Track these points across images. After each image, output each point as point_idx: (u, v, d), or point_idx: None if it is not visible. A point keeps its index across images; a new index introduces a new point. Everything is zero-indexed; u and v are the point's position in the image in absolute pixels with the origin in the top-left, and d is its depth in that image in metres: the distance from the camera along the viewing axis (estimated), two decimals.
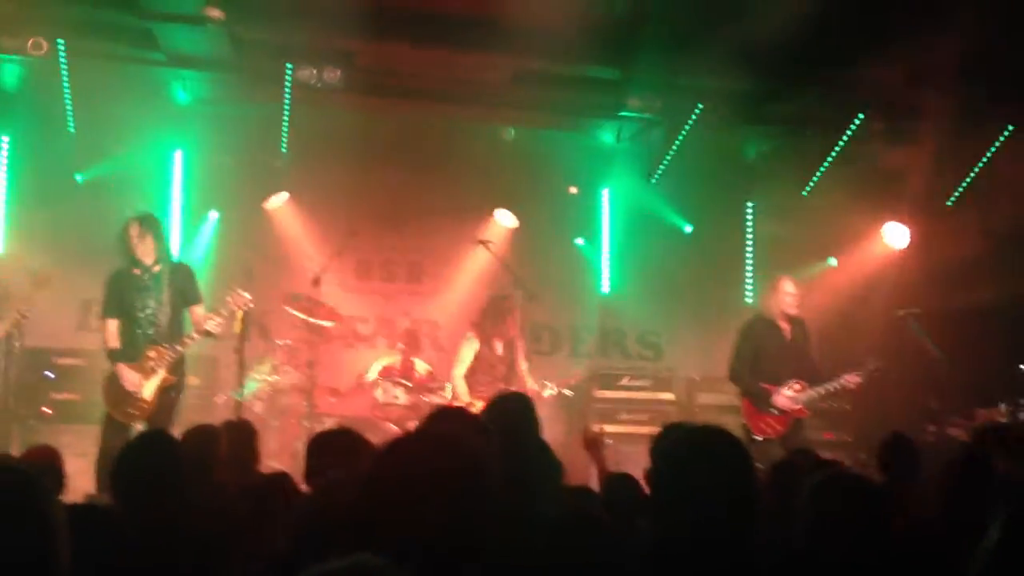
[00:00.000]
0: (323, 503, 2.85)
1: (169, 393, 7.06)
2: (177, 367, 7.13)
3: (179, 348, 7.06)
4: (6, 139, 9.76)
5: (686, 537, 2.31)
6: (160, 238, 7.25)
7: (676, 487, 2.38)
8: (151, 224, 7.23)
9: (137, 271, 7.11)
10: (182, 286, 7.22)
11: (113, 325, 7.10)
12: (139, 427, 6.79)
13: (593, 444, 5.49)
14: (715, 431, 2.54)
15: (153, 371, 6.99)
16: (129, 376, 6.94)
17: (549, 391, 8.45)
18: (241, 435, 5.14)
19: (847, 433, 9.33)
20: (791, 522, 2.97)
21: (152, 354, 7.01)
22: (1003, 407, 8.34)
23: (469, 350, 8.59)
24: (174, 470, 3.68)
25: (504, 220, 10.73)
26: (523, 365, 8.61)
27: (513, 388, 8.03)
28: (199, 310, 7.22)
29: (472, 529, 2.15)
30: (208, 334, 7.15)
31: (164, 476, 3.61)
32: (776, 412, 7.69)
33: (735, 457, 2.40)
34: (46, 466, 4.30)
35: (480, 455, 2.25)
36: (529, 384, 8.41)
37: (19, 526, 1.70)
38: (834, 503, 2.85)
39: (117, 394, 6.98)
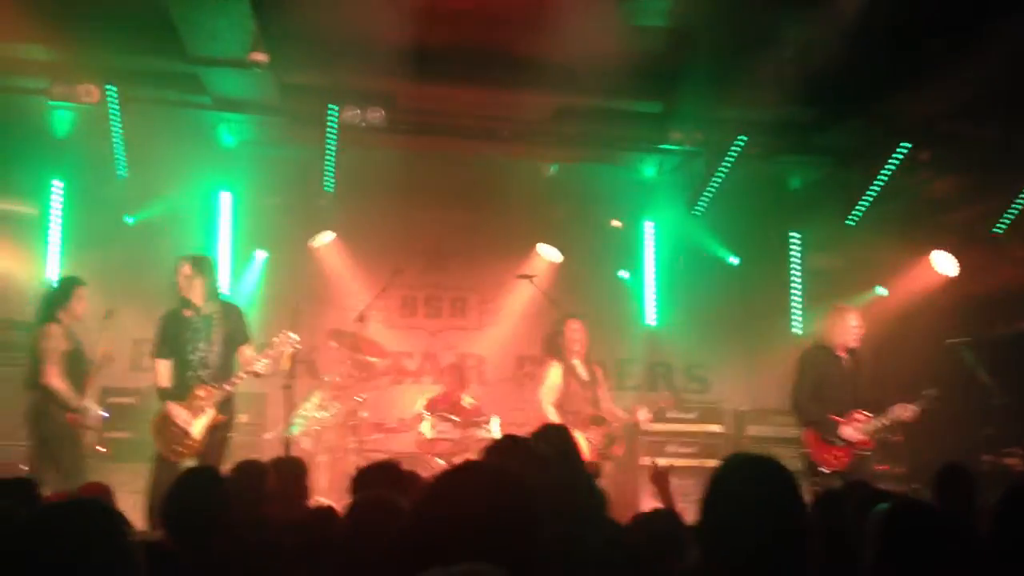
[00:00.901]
0: (359, 529, 2.87)
1: (218, 431, 7.14)
2: (226, 406, 7.21)
3: (228, 387, 7.14)
4: (59, 184, 9.98)
5: (732, 566, 2.29)
6: (211, 279, 7.37)
7: (724, 514, 2.36)
8: (202, 265, 7.35)
9: (188, 312, 7.21)
10: (232, 327, 7.31)
11: (164, 366, 7.20)
12: (189, 464, 6.87)
13: (660, 479, 5.45)
14: (766, 461, 2.52)
15: (202, 410, 7.07)
16: (180, 414, 7.03)
17: (644, 414, 8.15)
18: (290, 471, 5.18)
19: (901, 464, 9.18)
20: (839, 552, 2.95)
21: (201, 393, 7.09)
22: None
23: (555, 375, 8.18)
24: (221, 505, 3.72)
25: (547, 254, 10.77)
26: (605, 390, 8.32)
27: (600, 414, 7.99)
28: (247, 350, 7.30)
29: (521, 564, 2.15)
30: (256, 374, 7.22)
31: (212, 511, 3.65)
32: (841, 443, 7.53)
33: (785, 486, 2.38)
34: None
35: (530, 489, 2.25)
36: (618, 410, 8.17)
37: (107, 557, 1.74)
38: (906, 532, 2.81)
39: (167, 433, 7.06)
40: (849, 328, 7.73)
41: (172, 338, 7.18)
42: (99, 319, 7.80)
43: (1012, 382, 8.01)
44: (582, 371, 8.22)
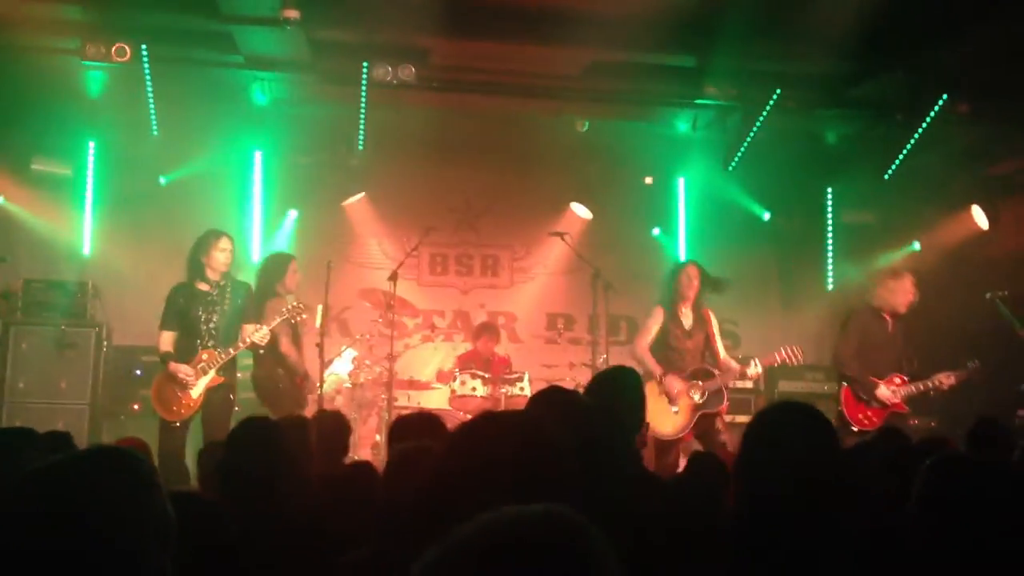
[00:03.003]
0: (399, 480, 2.88)
1: (219, 392, 7.24)
2: (227, 369, 7.33)
3: (231, 351, 7.26)
4: (92, 144, 10.05)
5: (767, 511, 2.29)
6: (233, 253, 7.50)
7: (760, 456, 2.36)
8: (229, 240, 7.47)
9: (204, 286, 7.34)
10: (243, 304, 7.46)
11: (168, 337, 7.30)
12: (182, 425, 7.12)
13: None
14: (804, 407, 2.53)
15: (204, 372, 7.17)
16: (181, 369, 7.14)
17: (754, 369, 7.76)
18: (331, 426, 5.22)
19: (933, 419, 9.13)
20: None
21: (205, 356, 7.21)
22: None
23: (654, 322, 7.84)
24: (279, 459, 3.72)
25: (580, 212, 10.73)
26: (721, 351, 7.90)
27: (707, 365, 7.72)
28: (250, 327, 7.40)
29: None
30: (256, 345, 7.36)
31: (269, 465, 3.65)
32: (877, 404, 7.60)
33: (822, 432, 2.38)
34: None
35: (558, 440, 2.24)
36: (731, 362, 7.81)
37: (126, 504, 1.75)
38: (953, 484, 2.81)
39: (167, 394, 7.18)
40: (905, 293, 7.76)
41: (183, 310, 7.29)
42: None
43: None
44: (688, 318, 7.82)
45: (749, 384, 10.02)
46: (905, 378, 7.64)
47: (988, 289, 8.27)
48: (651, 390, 7.70)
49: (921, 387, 7.65)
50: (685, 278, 7.78)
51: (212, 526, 2.83)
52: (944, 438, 5.23)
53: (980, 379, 7.64)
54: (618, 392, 3.95)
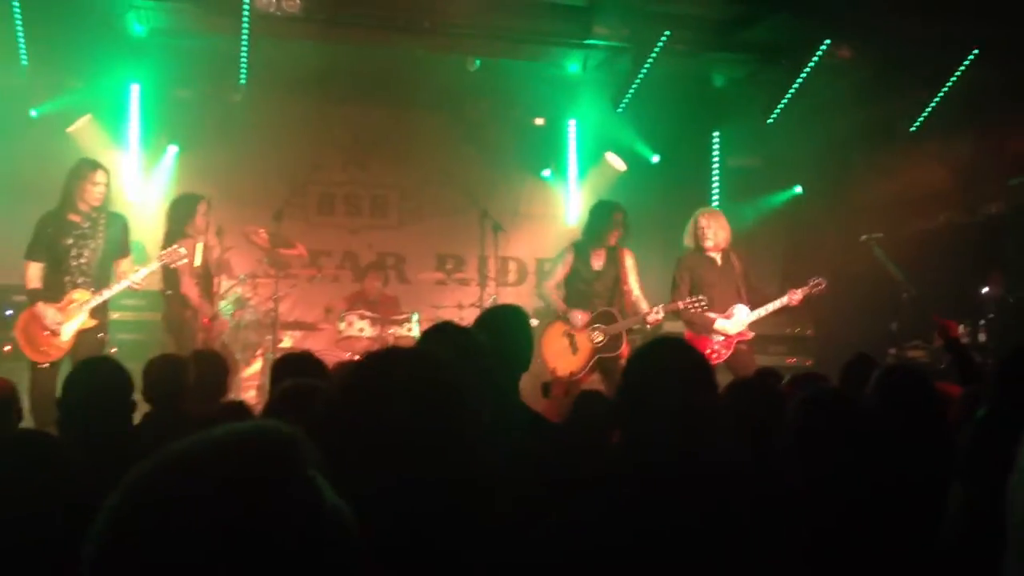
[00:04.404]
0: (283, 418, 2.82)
1: (90, 334, 6.95)
2: (99, 311, 7.02)
3: (104, 292, 6.96)
4: None
5: (648, 440, 2.31)
6: (109, 187, 7.16)
7: (638, 390, 2.38)
8: (105, 173, 7.13)
9: (76, 217, 6.97)
10: (118, 237, 7.15)
11: (36, 268, 6.92)
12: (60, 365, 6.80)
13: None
14: (677, 341, 2.56)
15: (74, 314, 6.90)
16: (48, 314, 6.80)
17: (655, 316, 7.64)
18: (210, 366, 5.09)
19: (808, 357, 9.42)
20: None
21: (76, 296, 6.91)
22: (962, 328, 8.46)
23: (560, 262, 7.88)
24: (121, 395, 3.65)
25: (469, 152, 10.66)
26: (635, 288, 7.83)
27: (615, 309, 7.69)
28: (125, 263, 7.16)
29: (448, 451, 2.13)
30: (133, 287, 7.08)
31: (111, 401, 3.57)
32: (719, 337, 7.74)
33: (695, 363, 2.41)
34: (3, 399, 4.22)
35: (458, 375, 2.22)
36: (642, 306, 7.74)
37: None
38: (821, 418, 2.92)
39: (34, 335, 6.84)
40: (697, 229, 7.84)
41: (51, 241, 6.92)
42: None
43: (921, 278, 8.22)
44: (600, 259, 7.79)
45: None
46: (746, 308, 7.77)
47: (865, 232, 8.53)
48: (554, 331, 7.76)
49: (773, 307, 7.80)
50: (613, 223, 7.76)
51: (56, 460, 2.75)
52: (816, 374, 5.39)
53: (820, 292, 7.81)
54: (504, 330, 3.90)
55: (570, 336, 7.65)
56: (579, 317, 7.62)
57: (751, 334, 7.86)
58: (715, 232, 7.84)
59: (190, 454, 1.03)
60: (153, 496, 1.00)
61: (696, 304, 7.58)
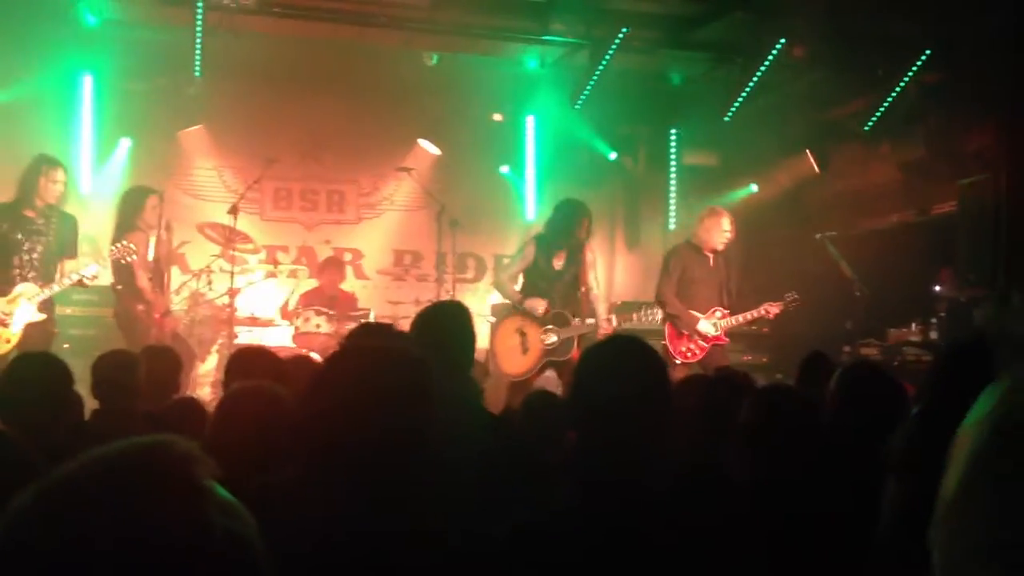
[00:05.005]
0: (228, 417, 2.81)
1: (38, 327, 6.92)
2: (47, 306, 7.02)
3: (54, 287, 6.96)
4: None
5: (601, 445, 2.31)
6: (65, 186, 7.19)
7: (590, 393, 2.37)
8: (64, 171, 7.16)
9: (31, 213, 6.99)
10: (66, 237, 7.17)
11: None
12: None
13: None
14: (630, 339, 2.55)
15: (19, 306, 6.83)
16: None
17: (608, 326, 7.53)
18: (162, 362, 5.01)
19: (764, 355, 9.51)
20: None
21: (22, 290, 6.87)
22: (915, 327, 8.60)
23: (519, 256, 7.76)
24: (60, 390, 3.60)
25: (428, 148, 10.61)
26: (594, 286, 7.70)
27: (569, 311, 7.50)
28: (71, 264, 7.15)
29: (417, 442, 2.14)
30: (83, 282, 7.08)
31: (51, 396, 3.53)
32: (697, 337, 7.87)
33: (648, 361, 2.40)
34: None
35: (425, 368, 2.23)
36: (600, 310, 7.68)
37: None
38: (774, 415, 2.97)
39: None
40: (721, 231, 7.96)
41: (4, 233, 6.91)
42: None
43: (874, 276, 8.31)
44: (561, 259, 7.58)
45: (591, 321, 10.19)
46: (726, 312, 7.93)
47: (819, 230, 8.62)
48: (507, 327, 7.69)
49: (749, 316, 7.97)
50: (580, 227, 7.55)
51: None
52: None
53: (796, 307, 8.02)
54: (444, 328, 3.88)
55: (522, 334, 7.55)
56: (540, 305, 7.45)
57: (727, 340, 8.03)
58: (729, 237, 8.00)
59: (76, 476, 1.01)
60: (36, 518, 0.98)
61: (648, 317, 7.73)
